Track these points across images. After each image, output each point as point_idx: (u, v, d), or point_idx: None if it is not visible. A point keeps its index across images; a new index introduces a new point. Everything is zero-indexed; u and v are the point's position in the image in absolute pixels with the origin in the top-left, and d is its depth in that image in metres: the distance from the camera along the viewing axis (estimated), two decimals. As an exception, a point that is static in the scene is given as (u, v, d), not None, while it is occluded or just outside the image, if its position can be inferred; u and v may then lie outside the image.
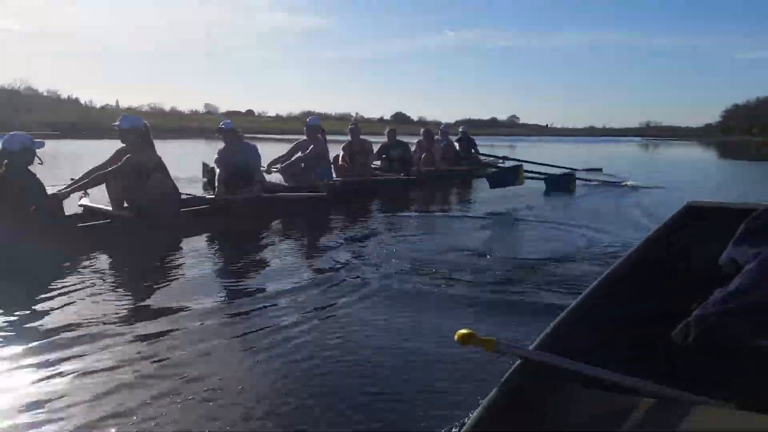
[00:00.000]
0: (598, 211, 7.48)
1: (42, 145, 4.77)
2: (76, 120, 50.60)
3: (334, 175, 8.57)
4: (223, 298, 3.71)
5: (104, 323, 3.15)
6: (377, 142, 10.05)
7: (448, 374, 2.56)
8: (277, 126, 72.93)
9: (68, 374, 2.53)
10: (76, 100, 78.74)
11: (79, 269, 4.26)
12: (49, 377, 2.51)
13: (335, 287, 3.92)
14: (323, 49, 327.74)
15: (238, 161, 6.60)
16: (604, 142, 53.82)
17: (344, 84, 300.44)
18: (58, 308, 3.43)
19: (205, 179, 8.49)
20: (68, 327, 3.07)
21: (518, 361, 1.48)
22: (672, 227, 3.10)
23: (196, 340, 2.92)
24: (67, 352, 2.74)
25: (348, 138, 9.36)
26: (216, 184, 6.53)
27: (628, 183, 10.86)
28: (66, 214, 5.10)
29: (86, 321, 3.18)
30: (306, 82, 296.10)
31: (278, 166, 8.15)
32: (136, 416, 2.17)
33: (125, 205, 5.44)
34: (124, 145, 5.63)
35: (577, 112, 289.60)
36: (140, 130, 5.55)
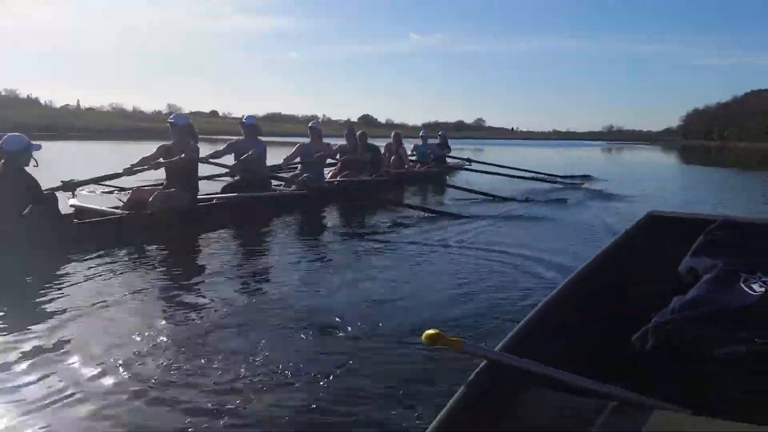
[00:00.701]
0: (562, 218, 7.44)
1: (39, 147, 4.84)
2: (39, 120, 49.28)
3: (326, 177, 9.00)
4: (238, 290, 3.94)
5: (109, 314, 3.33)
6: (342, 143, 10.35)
7: (415, 374, 2.57)
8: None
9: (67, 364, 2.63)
10: (36, 100, 76.99)
11: (78, 264, 4.36)
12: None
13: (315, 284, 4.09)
14: (289, 51, 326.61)
15: (250, 154, 7.13)
16: (568, 146, 54.61)
17: (310, 86, 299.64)
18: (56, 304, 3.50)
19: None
20: (68, 317, 3.22)
21: (484, 362, 1.49)
22: (634, 235, 3.14)
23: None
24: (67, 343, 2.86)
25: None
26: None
27: (587, 185, 11.24)
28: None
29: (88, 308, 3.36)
30: (272, 84, 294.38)
31: (295, 163, 8.54)
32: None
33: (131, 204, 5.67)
34: (166, 142, 6.27)
35: (543, 116, 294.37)
36: (190, 126, 6.24)
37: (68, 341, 2.88)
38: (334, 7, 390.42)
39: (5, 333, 2.98)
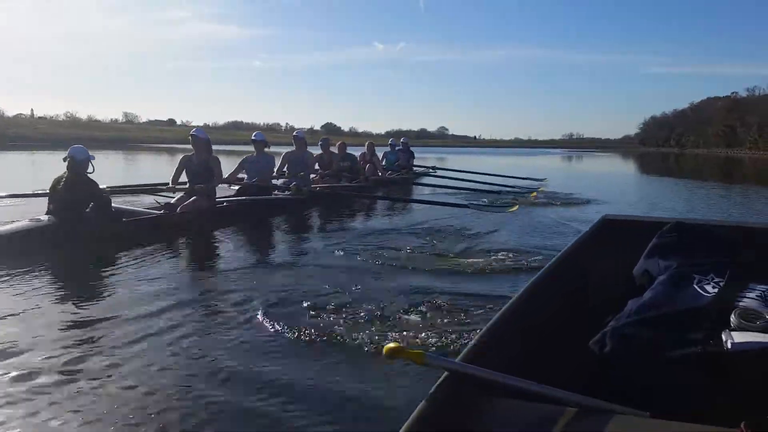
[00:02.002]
0: (519, 222, 7.53)
1: (93, 157, 5.86)
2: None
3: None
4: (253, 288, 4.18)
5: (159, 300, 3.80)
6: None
7: (378, 388, 2.51)
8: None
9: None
10: (-13, 109, 74.73)
11: (126, 253, 5.25)
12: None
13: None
14: (251, 60, 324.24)
15: (263, 168, 8.36)
16: (530, 154, 55.46)
17: (273, 94, 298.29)
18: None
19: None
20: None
21: (445, 374, 1.48)
22: (589, 239, 3.16)
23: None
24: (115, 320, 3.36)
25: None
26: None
27: (542, 188, 11.75)
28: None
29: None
30: (234, 93, 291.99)
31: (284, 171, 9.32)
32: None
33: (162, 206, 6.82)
34: (187, 154, 7.22)
35: (504, 124, 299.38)
36: (209, 141, 7.21)
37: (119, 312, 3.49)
38: (297, 15, 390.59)
39: (81, 304, 3.70)
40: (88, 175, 5.68)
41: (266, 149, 8.58)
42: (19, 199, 6.96)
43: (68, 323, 3.30)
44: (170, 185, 7.11)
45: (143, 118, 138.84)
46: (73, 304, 3.70)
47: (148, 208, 6.70)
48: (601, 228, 3.35)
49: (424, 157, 19.20)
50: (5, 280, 4.15)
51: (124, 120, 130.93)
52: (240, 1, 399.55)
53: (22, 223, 5.28)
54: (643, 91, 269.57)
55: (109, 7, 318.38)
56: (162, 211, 6.54)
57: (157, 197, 7.33)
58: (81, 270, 4.69)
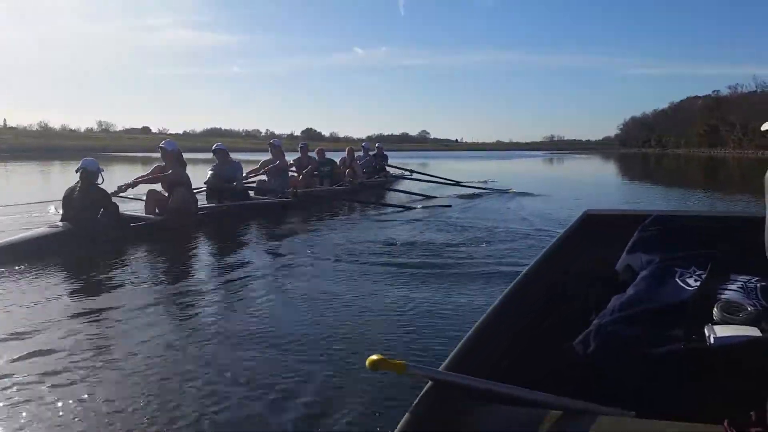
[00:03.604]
0: (493, 221, 7.74)
1: (103, 169, 6.50)
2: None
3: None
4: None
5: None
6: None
7: (363, 400, 2.40)
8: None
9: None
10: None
11: (133, 253, 5.89)
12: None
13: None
14: (230, 66, 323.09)
15: (226, 174, 8.48)
16: (513, 157, 55.25)
17: (253, 100, 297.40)
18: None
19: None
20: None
21: (429, 383, 1.46)
22: (571, 236, 3.17)
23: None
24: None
25: (298, 155, 11.59)
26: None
27: (514, 190, 12.17)
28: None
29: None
30: (213, 100, 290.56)
31: (252, 176, 9.73)
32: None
33: (156, 210, 7.22)
34: (161, 163, 7.55)
35: (487, 127, 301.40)
36: (177, 153, 7.43)
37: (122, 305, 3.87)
38: (277, 22, 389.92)
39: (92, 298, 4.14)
40: (98, 185, 6.30)
41: (228, 158, 8.72)
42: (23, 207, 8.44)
43: (81, 312, 3.71)
44: (131, 182, 7.29)
45: (119, 127, 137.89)
46: (87, 296, 4.20)
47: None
48: (583, 224, 3.36)
49: (401, 162, 19.64)
50: (30, 278, 4.66)
51: (99, 129, 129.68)
52: (218, 8, 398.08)
53: (42, 229, 5.98)
54: (623, 93, 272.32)
55: (86, 14, 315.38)
56: (159, 217, 7.14)
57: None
58: (94, 268, 5.18)
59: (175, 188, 7.17)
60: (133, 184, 7.28)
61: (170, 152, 7.36)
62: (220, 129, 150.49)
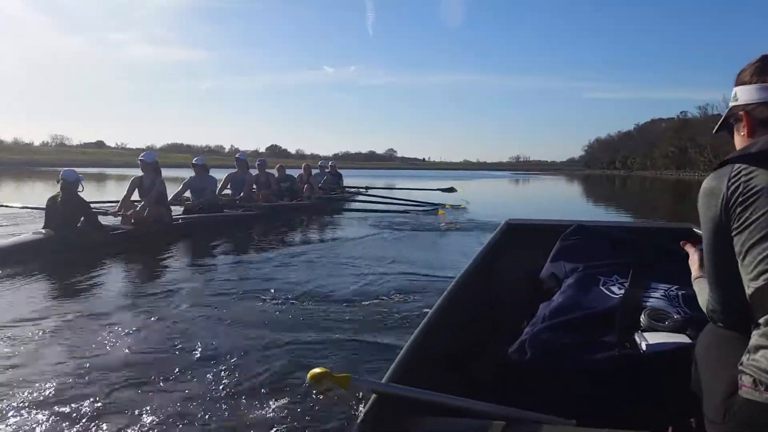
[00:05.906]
0: (437, 238, 8.15)
1: (82, 178, 6.68)
2: None
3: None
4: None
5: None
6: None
7: (306, 416, 2.26)
8: (125, 160, 69.02)
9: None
10: None
11: (113, 260, 6.14)
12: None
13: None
14: (195, 82, 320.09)
15: (201, 187, 9.02)
16: (475, 177, 55.37)
17: (219, 117, 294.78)
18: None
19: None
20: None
21: (373, 396, 1.43)
22: (494, 247, 3.18)
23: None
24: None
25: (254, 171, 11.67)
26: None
27: (464, 207, 12.56)
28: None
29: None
30: (178, 115, 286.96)
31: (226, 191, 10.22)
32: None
33: (133, 221, 7.39)
34: (141, 174, 7.84)
35: (453, 147, 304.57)
36: (155, 163, 7.85)
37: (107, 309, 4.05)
38: (246, 39, 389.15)
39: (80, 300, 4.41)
40: (79, 193, 6.48)
41: (207, 172, 9.27)
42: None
43: (66, 311, 3.92)
44: (120, 205, 7.69)
45: (75, 141, 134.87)
46: (69, 297, 4.49)
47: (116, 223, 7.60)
48: (505, 233, 3.41)
49: (372, 183, 19.97)
50: (17, 281, 4.93)
51: (54, 143, 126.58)
52: (186, 24, 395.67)
53: (26, 236, 6.25)
54: (587, 115, 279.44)
55: (49, 29, 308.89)
56: (136, 226, 7.38)
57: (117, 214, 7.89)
58: (76, 272, 5.35)
59: (151, 199, 7.56)
60: (122, 207, 7.74)
61: (150, 164, 7.79)
62: (182, 144, 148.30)
